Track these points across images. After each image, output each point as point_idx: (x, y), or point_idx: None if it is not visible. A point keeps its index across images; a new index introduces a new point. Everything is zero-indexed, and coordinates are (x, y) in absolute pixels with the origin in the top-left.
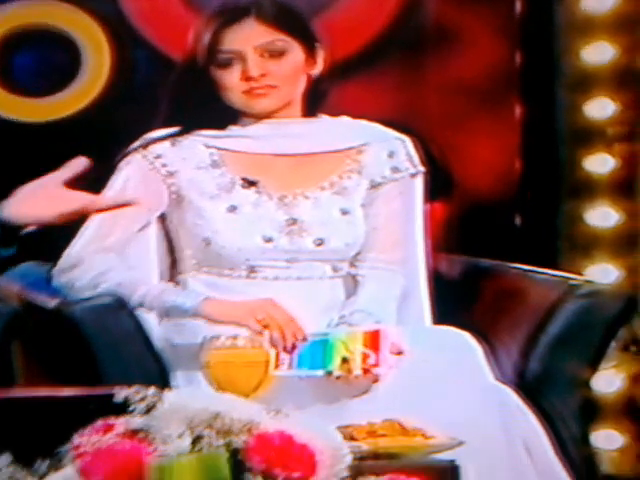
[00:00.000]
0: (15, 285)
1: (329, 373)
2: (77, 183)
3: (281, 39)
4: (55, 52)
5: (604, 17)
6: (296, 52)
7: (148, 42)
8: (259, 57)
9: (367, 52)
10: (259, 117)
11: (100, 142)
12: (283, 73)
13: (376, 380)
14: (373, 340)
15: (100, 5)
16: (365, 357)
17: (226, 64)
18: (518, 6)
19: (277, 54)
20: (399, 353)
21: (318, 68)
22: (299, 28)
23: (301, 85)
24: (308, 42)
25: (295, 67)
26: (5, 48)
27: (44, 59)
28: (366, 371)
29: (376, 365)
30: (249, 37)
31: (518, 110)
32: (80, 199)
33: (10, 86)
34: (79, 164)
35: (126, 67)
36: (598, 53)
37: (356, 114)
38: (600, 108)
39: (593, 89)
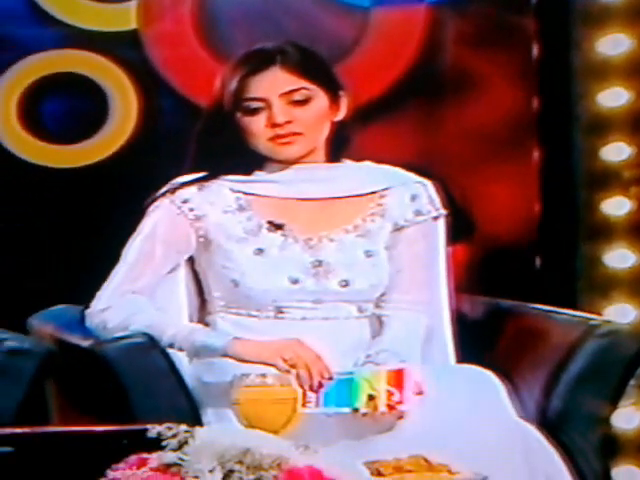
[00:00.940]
0: (50, 326)
1: (355, 410)
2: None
3: (306, 87)
4: (83, 100)
5: (619, 62)
6: (320, 99)
7: (174, 90)
8: (285, 104)
9: (387, 97)
10: (285, 163)
11: (127, 188)
12: (308, 120)
13: (401, 417)
14: (397, 379)
15: (127, 54)
16: (390, 395)
17: (252, 111)
18: (535, 52)
19: (302, 101)
20: (420, 393)
21: (341, 114)
22: (323, 75)
23: (325, 131)
24: (332, 89)
25: (319, 114)
26: (35, 95)
27: (73, 106)
28: (391, 408)
29: (400, 402)
30: (274, 85)
31: (536, 154)
32: None
33: (39, 133)
34: None
35: (152, 114)
36: (613, 98)
37: (377, 158)
38: (616, 152)
39: (609, 133)
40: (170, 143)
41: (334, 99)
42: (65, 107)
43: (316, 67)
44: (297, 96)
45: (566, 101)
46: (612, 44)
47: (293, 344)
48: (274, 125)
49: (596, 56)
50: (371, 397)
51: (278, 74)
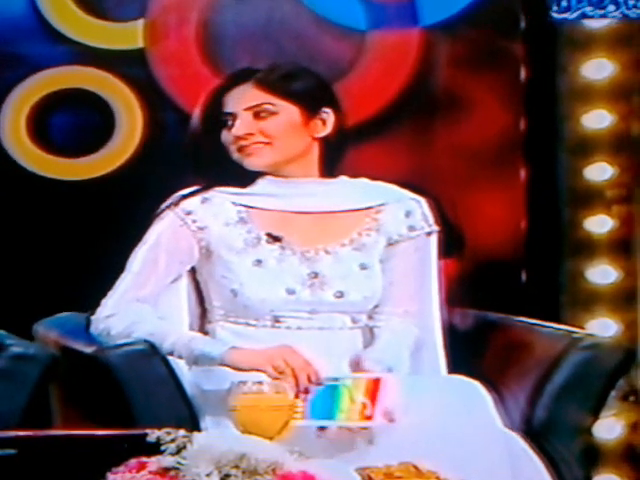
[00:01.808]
0: (54, 332)
1: (323, 427)
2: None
3: (272, 102)
4: (90, 115)
5: (603, 86)
6: (290, 114)
7: (178, 106)
8: (250, 118)
9: (382, 117)
10: (264, 173)
11: (132, 200)
12: (274, 132)
13: (370, 442)
14: (373, 388)
15: (133, 71)
16: (364, 407)
17: (225, 125)
18: (523, 75)
19: (266, 115)
20: (391, 420)
21: (326, 131)
22: (299, 93)
23: (301, 144)
24: (309, 106)
25: (288, 127)
26: (43, 110)
27: (80, 121)
28: (367, 419)
29: (370, 418)
30: (242, 99)
31: (523, 173)
32: None
33: (47, 146)
34: None
35: (157, 129)
36: (597, 120)
37: (372, 175)
38: (599, 171)
39: (593, 154)
40: (174, 157)
41: (311, 115)
42: (73, 122)
43: (292, 86)
44: (261, 109)
45: (552, 122)
46: (596, 69)
47: (283, 351)
48: (236, 137)
49: (581, 80)
50: (347, 410)
51: (247, 90)
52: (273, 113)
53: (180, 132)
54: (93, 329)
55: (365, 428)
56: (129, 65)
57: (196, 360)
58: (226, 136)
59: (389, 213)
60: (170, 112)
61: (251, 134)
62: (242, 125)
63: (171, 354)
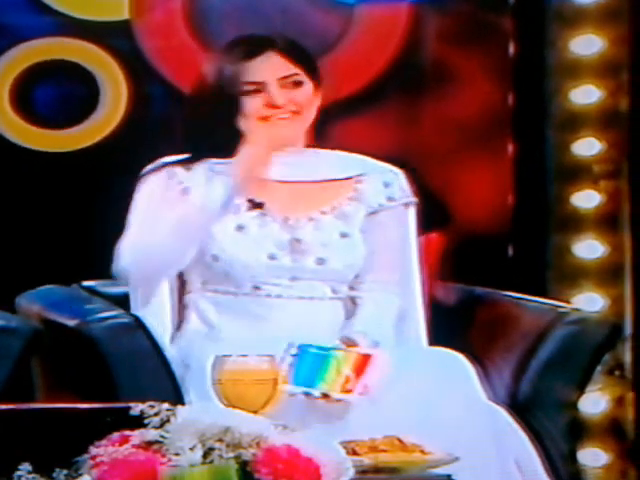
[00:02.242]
0: (37, 305)
1: (307, 394)
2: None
3: (297, 72)
4: (75, 86)
5: (591, 61)
6: (308, 85)
7: (163, 78)
8: (283, 88)
9: (369, 90)
10: (274, 145)
11: (116, 172)
12: (303, 102)
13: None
14: (362, 364)
15: (118, 42)
16: (347, 380)
17: (249, 93)
18: (511, 50)
19: (296, 84)
20: (363, 392)
21: (319, 103)
22: (311, 64)
23: (313, 117)
24: (316, 77)
25: (309, 98)
26: (27, 82)
27: (64, 93)
28: (347, 392)
29: (350, 391)
30: (272, 69)
31: (510, 148)
32: None
33: (31, 118)
34: None
35: (142, 102)
36: (585, 95)
37: (358, 149)
38: (587, 147)
39: (580, 129)
40: (158, 130)
41: (317, 87)
42: (57, 93)
43: (305, 55)
44: (293, 80)
45: (540, 97)
46: (585, 44)
47: None
48: (273, 106)
49: (569, 55)
50: (331, 381)
51: (274, 59)
52: (301, 83)
53: (165, 105)
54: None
55: (340, 401)
56: (114, 37)
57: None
58: (250, 104)
59: (368, 183)
60: (155, 84)
61: (284, 104)
62: (279, 95)
63: None
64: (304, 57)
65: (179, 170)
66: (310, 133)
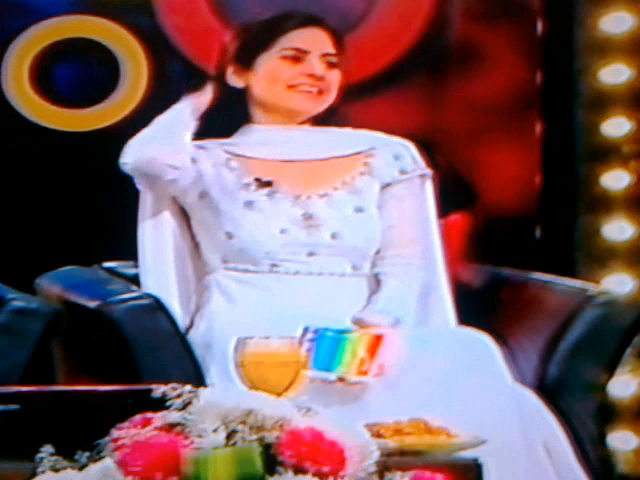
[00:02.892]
0: (57, 286)
1: (324, 379)
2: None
3: (337, 54)
4: (95, 65)
5: (621, 40)
6: (339, 70)
7: (184, 57)
8: (321, 63)
9: (394, 70)
10: (291, 117)
11: None
12: (332, 82)
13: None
14: (375, 344)
15: (138, 20)
16: (362, 362)
17: (290, 59)
18: (539, 27)
19: (333, 65)
20: (379, 373)
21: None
22: (344, 51)
23: (333, 100)
24: (344, 65)
25: (337, 82)
26: (47, 60)
27: (84, 72)
28: (362, 374)
29: (366, 373)
30: (318, 43)
31: (538, 127)
32: None
33: (51, 97)
34: None
35: (163, 81)
36: (615, 74)
37: (383, 129)
38: (616, 127)
39: (610, 108)
40: None
41: (343, 74)
42: (77, 72)
43: (343, 42)
44: (331, 59)
45: (568, 76)
46: (615, 22)
47: None
48: (310, 76)
49: (599, 34)
50: (348, 363)
51: (321, 34)
52: (335, 66)
53: (186, 83)
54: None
55: (358, 383)
56: (135, 14)
57: None
58: (287, 68)
59: (379, 157)
60: (176, 63)
61: (322, 78)
62: (320, 67)
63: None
64: (342, 42)
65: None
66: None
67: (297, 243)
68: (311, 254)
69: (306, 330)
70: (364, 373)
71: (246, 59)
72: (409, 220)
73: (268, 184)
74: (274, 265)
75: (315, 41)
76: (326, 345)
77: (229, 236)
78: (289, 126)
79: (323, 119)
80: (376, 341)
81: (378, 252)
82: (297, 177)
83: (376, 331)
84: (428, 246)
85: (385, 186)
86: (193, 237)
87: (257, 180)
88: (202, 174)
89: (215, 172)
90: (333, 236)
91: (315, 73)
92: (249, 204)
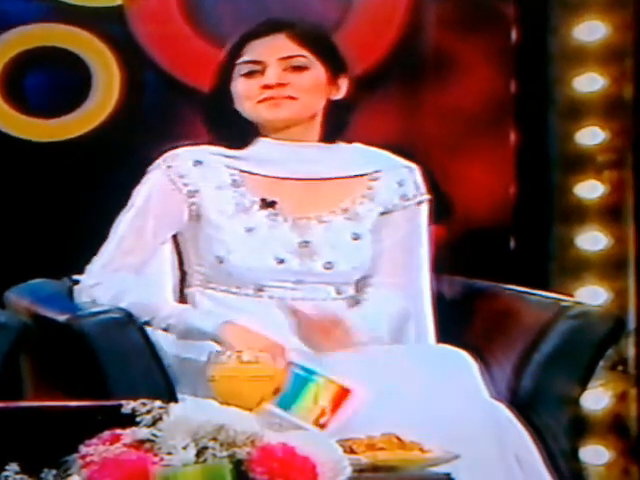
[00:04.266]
0: (26, 299)
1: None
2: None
3: (304, 55)
4: (66, 74)
5: (595, 48)
6: (318, 70)
7: (157, 65)
8: (281, 69)
9: (368, 78)
10: (274, 129)
11: (109, 162)
12: (303, 86)
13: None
14: (340, 398)
15: (111, 28)
16: (322, 413)
17: (248, 74)
18: (514, 36)
19: (298, 68)
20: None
21: (340, 94)
22: (326, 50)
23: (320, 105)
24: (333, 66)
25: (316, 84)
26: (17, 69)
27: (56, 80)
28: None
29: (324, 426)
30: (273, 49)
31: (512, 136)
32: None
33: (22, 106)
34: None
35: (135, 89)
36: (589, 83)
37: (357, 138)
38: (590, 136)
39: (584, 117)
40: (152, 118)
41: (334, 77)
42: (48, 81)
43: (321, 42)
44: (294, 62)
45: (543, 85)
46: (588, 31)
47: (278, 350)
48: (266, 87)
49: (573, 42)
50: (306, 408)
51: (280, 41)
52: (305, 68)
53: (159, 92)
54: (77, 298)
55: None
56: (107, 22)
57: (188, 334)
58: (247, 85)
59: (383, 181)
60: (149, 72)
61: (283, 85)
62: (275, 74)
63: (165, 329)
64: (317, 42)
65: (188, 168)
66: (323, 125)
67: (289, 272)
68: (299, 282)
69: None
70: (322, 426)
71: (225, 88)
72: (400, 248)
73: (272, 205)
74: (259, 289)
75: (270, 48)
76: (291, 381)
77: (220, 260)
78: (299, 143)
79: (339, 115)
80: (343, 394)
81: (364, 277)
82: (300, 197)
83: (344, 383)
84: (416, 274)
85: (384, 212)
86: (177, 247)
87: (262, 200)
88: (200, 194)
89: (216, 194)
90: (326, 266)
91: (269, 83)
92: (249, 230)
